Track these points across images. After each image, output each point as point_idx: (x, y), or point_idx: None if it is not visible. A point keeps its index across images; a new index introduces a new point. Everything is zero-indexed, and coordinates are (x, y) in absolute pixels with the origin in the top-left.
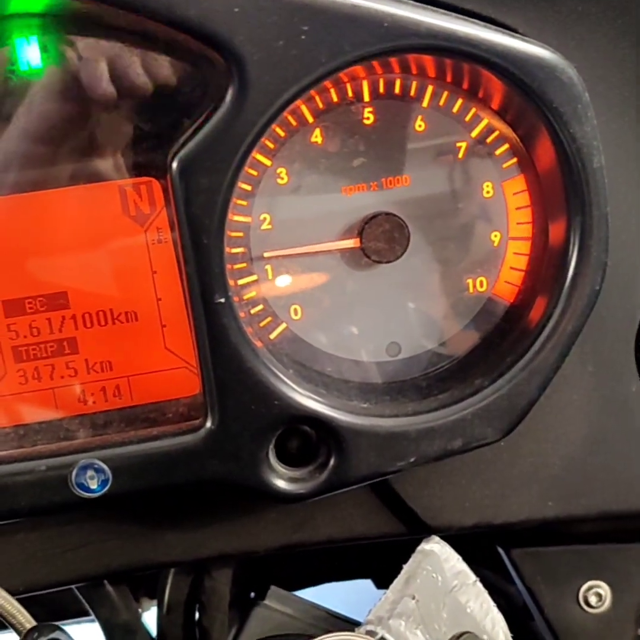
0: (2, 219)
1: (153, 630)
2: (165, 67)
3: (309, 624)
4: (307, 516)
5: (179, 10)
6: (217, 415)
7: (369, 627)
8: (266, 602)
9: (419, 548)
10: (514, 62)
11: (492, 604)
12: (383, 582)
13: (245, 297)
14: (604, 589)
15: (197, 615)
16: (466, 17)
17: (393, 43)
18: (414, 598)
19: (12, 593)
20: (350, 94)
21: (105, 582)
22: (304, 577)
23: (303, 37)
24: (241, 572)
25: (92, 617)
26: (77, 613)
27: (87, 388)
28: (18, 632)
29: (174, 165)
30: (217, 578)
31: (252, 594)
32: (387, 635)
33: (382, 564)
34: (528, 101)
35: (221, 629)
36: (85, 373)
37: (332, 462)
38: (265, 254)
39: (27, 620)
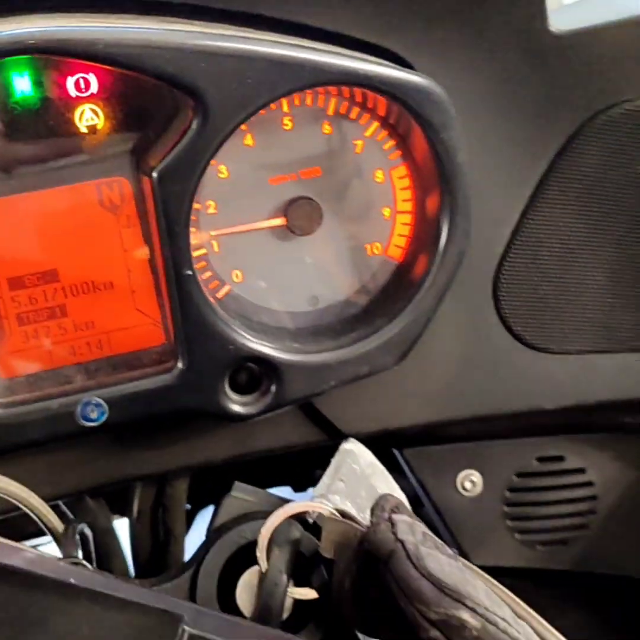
0: (5, 215)
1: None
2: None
3: (271, 506)
4: (250, 432)
5: (161, 66)
6: (186, 358)
7: (317, 499)
8: (233, 493)
9: (341, 447)
10: (398, 88)
11: (396, 485)
12: (300, 487)
13: (197, 267)
14: (477, 476)
15: (161, 518)
16: (365, 54)
17: (312, 81)
18: (342, 481)
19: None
20: (273, 107)
21: (86, 496)
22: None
23: (248, 80)
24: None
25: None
26: (33, 534)
27: (76, 343)
28: (52, 532)
29: (154, 175)
30: (176, 486)
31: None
32: (330, 505)
33: (297, 473)
34: (407, 113)
35: (181, 526)
36: (73, 331)
37: (273, 389)
38: (212, 233)
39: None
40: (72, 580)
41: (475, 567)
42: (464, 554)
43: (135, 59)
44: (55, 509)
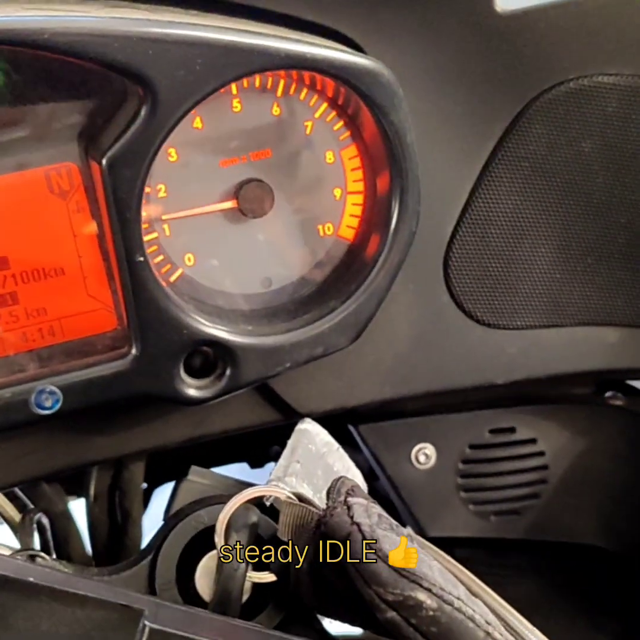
0: None
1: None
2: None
3: (227, 490)
4: (205, 414)
5: (108, 55)
6: (140, 344)
7: (274, 483)
8: (189, 477)
9: (297, 428)
10: (346, 71)
11: (351, 463)
12: (256, 463)
13: (149, 251)
14: (430, 449)
15: (117, 500)
16: (314, 37)
17: (261, 65)
18: (298, 462)
19: None
20: (222, 90)
21: (42, 482)
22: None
23: (197, 66)
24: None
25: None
26: None
27: (28, 330)
28: (9, 523)
29: (104, 161)
30: (133, 469)
31: None
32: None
33: (253, 449)
34: (355, 95)
35: (138, 508)
36: (25, 319)
37: (228, 372)
38: (163, 217)
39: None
40: (31, 579)
41: (430, 545)
42: (419, 526)
43: (82, 47)
44: (11, 494)
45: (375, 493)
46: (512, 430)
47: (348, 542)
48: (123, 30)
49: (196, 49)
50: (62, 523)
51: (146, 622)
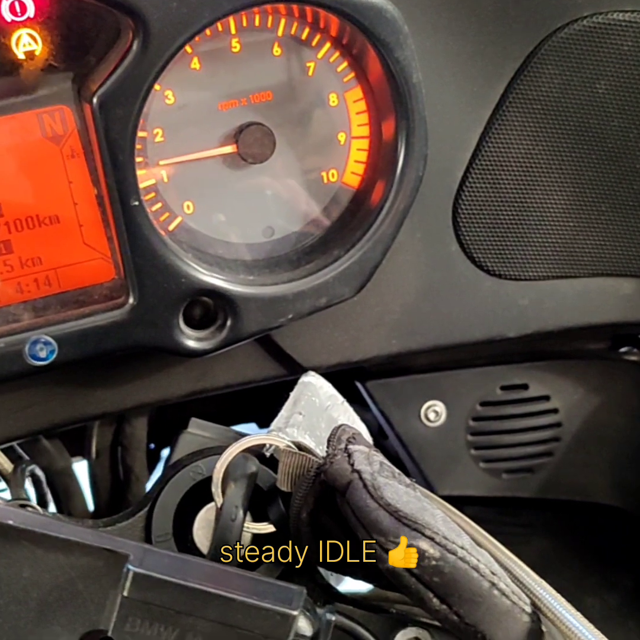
0: None
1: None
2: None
3: (228, 442)
4: (208, 368)
5: None
6: (137, 293)
7: (274, 432)
8: (189, 429)
9: (300, 380)
10: (350, 6)
11: (356, 417)
12: (265, 423)
13: (146, 198)
14: (440, 406)
15: (120, 457)
16: None
17: None
18: (300, 414)
19: None
20: (220, 28)
21: (42, 437)
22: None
23: None
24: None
25: None
26: None
27: (22, 280)
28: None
29: (95, 100)
30: (135, 425)
31: None
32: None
33: (262, 409)
34: (360, 32)
35: (141, 465)
36: (20, 268)
37: (228, 323)
38: (161, 162)
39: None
40: (11, 522)
41: (433, 495)
42: (429, 485)
43: None
44: (10, 451)
45: (385, 452)
46: (524, 386)
47: (348, 489)
48: None
49: None
50: (64, 480)
51: (130, 567)
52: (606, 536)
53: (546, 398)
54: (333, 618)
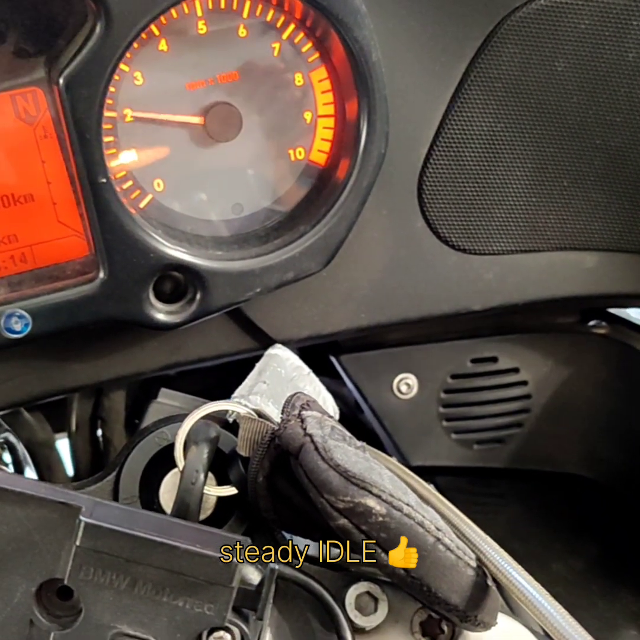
0: None
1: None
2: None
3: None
4: (181, 342)
5: None
6: (107, 268)
7: (236, 400)
8: (159, 399)
9: (266, 353)
10: None
11: (322, 387)
12: None
13: (117, 176)
14: (412, 379)
15: (99, 429)
16: None
17: None
18: (265, 383)
19: None
20: (186, 10)
21: (23, 410)
22: None
23: None
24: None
25: None
26: None
27: None
28: None
29: (61, 81)
30: (113, 398)
31: None
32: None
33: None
34: (321, 14)
35: (120, 437)
36: None
37: (198, 297)
38: (131, 141)
39: None
40: None
41: (384, 455)
42: (402, 455)
43: None
44: None
45: (362, 426)
46: (494, 359)
47: (301, 453)
48: None
49: None
50: (45, 452)
51: (82, 518)
52: (574, 505)
53: (516, 370)
54: (276, 567)
